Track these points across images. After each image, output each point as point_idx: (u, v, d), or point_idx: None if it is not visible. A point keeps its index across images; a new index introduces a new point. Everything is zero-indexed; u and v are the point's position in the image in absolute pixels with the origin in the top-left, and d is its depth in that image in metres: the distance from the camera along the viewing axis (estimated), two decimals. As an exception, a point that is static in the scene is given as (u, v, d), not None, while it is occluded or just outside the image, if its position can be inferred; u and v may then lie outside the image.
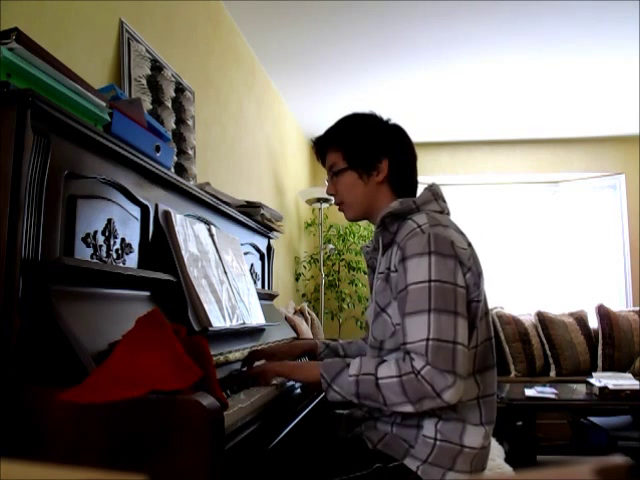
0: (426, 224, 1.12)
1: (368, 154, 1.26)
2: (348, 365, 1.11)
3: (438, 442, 1.09)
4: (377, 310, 1.20)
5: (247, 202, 2.03)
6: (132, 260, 1.23)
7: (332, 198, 1.35)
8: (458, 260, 1.10)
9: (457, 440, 1.10)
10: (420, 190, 1.26)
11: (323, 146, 1.34)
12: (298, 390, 1.40)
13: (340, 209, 1.34)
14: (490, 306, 1.23)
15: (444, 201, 1.25)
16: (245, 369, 1.38)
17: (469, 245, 1.17)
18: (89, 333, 0.92)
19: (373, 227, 1.27)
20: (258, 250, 2.19)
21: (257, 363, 1.41)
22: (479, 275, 1.14)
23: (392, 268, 1.15)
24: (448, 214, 1.24)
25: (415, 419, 1.13)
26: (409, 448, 1.12)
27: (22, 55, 0.93)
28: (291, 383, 1.39)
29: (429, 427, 1.11)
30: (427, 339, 1.03)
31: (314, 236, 4.82)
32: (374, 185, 1.27)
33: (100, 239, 1.10)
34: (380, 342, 1.19)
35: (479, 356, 1.15)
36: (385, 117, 1.32)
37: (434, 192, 1.24)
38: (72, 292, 0.95)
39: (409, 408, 1.05)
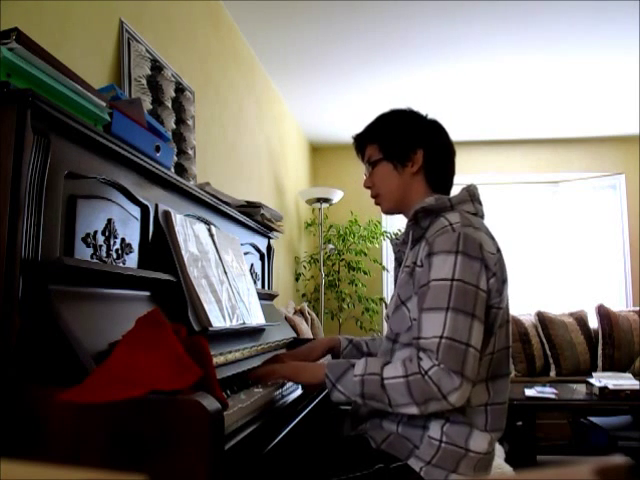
0: (458, 223, 1.11)
1: (403, 145, 1.27)
2: (353, 365, 1.11)
3: (443, 444, 1.09)
4: (398, 303, 1.20)
5: (247, 202, 2.03)
6: (132, 260, 1.23)
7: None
8: (484, 264, 1.09)
9: (462, 444, 1.09)
10: (456, 190, 1.26)
11: (362, 142, 1.34)
12: (298, 390, 1.40)
13: (376, 202, 1.33)
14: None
15: (480, 203, 1.25)
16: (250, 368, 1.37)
17: (498, 250, 1.16)
18: (89, 333, 0.91)
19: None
20: (258, 250, 2.19)
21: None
22: (503, 282, 1.13)
23: (418, 262, 1.15)
24: (482, 217, 1.23)
25: (422, 420, 1.12)
26: (414, 448, 1.11)
27: (22, 55, 0.93)
28: (291, 383, 1.39)
29: (435, 428, 1.10)
30: (441, 337, 1.03)
31: (314, 236, 4.82)
32: (409, 176, 1.27)
33: (100, 239, 1.10)
34: (396, 335, 1.19)
35: (494, 363, 1.14)
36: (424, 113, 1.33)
37: (471, 193, 1.23)
38: (72, 292, 0.95)
39: (414, 410, 1.04)
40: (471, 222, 1.13)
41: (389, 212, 1.34)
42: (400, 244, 1.30)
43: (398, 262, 1.32)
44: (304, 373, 1.22)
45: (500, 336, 1.14)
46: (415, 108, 1.33)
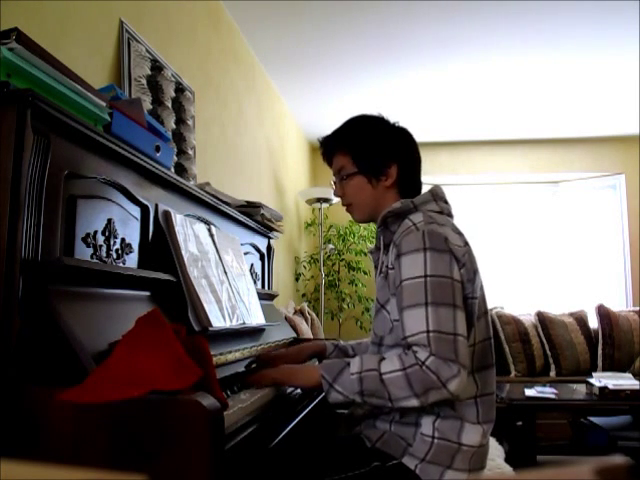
0: (421, 222, 1.14)
1: (377, 160, 1.26)
2: (349, 364, 1.11)
3: (436, 440, 1.09)
4: (377, 307, 1.22)
5: (247, 202, 2.03)
6: (132, 260, 1.23)
7: (333, 198, 1.36)
8: (453, 255, 1.11)
9: (455, 438, 1.10)
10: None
11: (331, 148, 1.33)
12: (298, 390, 1.40)
13: (348, 210, 1.34)
14: (490, 306, 1.24)
15: (445, 202, 1.26)
16: (246, 368, 1.37)
17: (465, 244, 1.17)
18: (89, 333, 0.92)
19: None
20: (258, 250, 2.19)
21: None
22: (474, 272, 1.15)
23: (389, 265, 1.17)
24: (449, 215, 1.25)
25: (413, 417, 1.13)
26: (407, 446, 1.12)
27: (22, 55, 0.93)
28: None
29: (427, 425, 1.11)
30: (427, 331, 1.04)
31: (314, 236, 4.82)
32: (382, 189, 1.27)
33: (100, 239, 1.10)
34: (380, 338, 1.21)
35: (477, 355, 1.15)
36: (391, 120, 1.33)
37: (434, 193, 1.25)
38: (72, 292, 0.95)
39: (414, 402, 1.04)
40: (435, 220, 1.15)
41: (361, 221, 1.36)
42: (375, 251, 1.32)
43: (377, 269, 1.32)
44: (298, 376, 1.22)
45: (480, 328, 1.16)
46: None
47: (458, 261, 1.11)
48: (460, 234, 1.19)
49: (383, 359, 1.09)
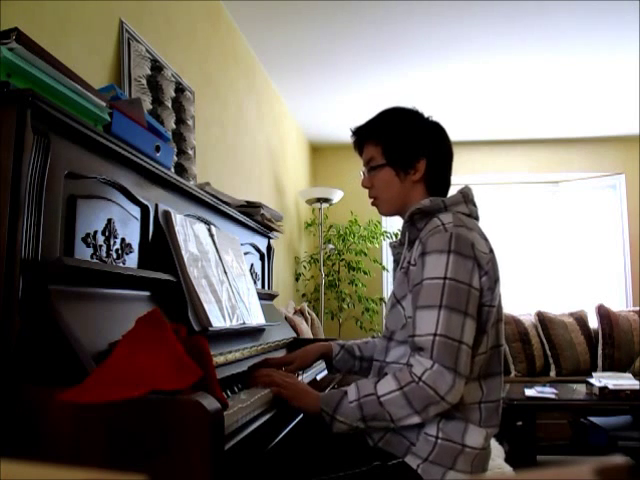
0: (450, 223, 1.13)
1: (407, 153, 1.26)
2: (346, 393, 1.11)
3: (440, 440, 1.10)
4: (393, 301, 1.22)
5: (247, 202, 2.03)
6: (132, 260, 1.23)
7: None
8: (476, 262, 1.10)
9: (459, 439, 1.10)
10: (453, 191, 1.27)
11: (362, 137, 1.33)
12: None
13: (374, 204, 1.34)
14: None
15: (474, 205, 1.26)
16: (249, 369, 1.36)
17: (491, 251, 1.17)
18: (89, 333, 0.91)
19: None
20: (258, 250, 2.19)
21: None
22: (495, 281, 1.14)
23: (412, 262, 1.17)
24: (476, 218, 1.25)
25: None
26: (410, 446, 1.12)
27: (22, 55, 0.93)
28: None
29: (431, 425, 1.11)
30: (435, 334, 1.04)
31: (314, 236, 4.82)
32: (410, 183, 1.27)
33: (100, 239, 1.10)
34: (391, 332, 1.21)
35: (485, 362, 1.15)
36: (427, 114, 1.31)
37: (465, 194, 1.24)
38: (72, 292, 0.95)
39: (416, 419, 1.05)
40: (464, 223, 1.15)
41: (387, 215, 1.36)
42: (398, 246, 1.32)
43: (396, 263, 1.33)
44: (301, 399, 1.19)
45: (492, 335, 1.16)
46: (417, 108, 1.32)
47: (481, 269, 1.11)
48: (486, 240, 1.19)
49: (378, 381, 1.10)
